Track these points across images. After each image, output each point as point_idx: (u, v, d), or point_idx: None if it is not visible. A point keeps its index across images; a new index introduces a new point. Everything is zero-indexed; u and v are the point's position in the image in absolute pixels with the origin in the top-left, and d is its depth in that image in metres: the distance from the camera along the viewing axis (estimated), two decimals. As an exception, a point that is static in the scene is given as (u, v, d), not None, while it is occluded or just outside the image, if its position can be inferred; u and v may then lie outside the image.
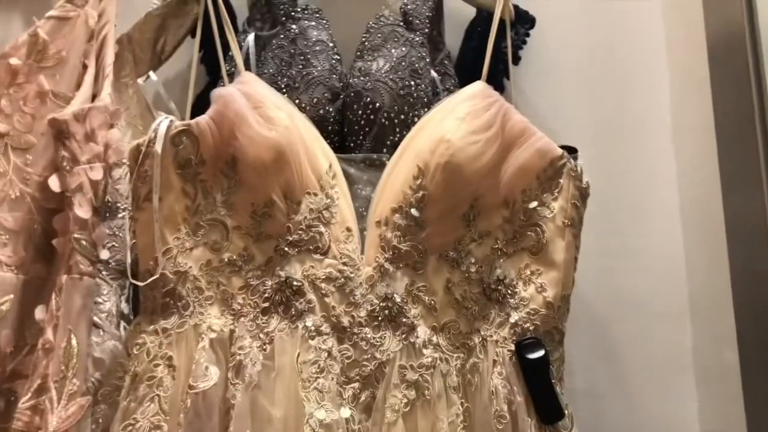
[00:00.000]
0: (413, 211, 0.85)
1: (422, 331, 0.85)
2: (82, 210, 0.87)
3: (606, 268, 1.08)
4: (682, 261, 1.09)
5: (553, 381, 0.83)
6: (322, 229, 0.86)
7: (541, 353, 0.83)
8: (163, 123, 0.85)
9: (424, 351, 0.84)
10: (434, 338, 0.85)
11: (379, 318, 0.84)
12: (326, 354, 0.82)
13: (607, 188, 1.04)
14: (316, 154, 0.88)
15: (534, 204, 0.88)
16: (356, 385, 0.82)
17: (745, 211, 1.02)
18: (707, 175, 1.07)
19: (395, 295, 0.85)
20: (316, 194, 0.86)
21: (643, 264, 1.09)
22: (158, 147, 0.84)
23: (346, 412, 0.81)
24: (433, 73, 0.99)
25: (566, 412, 0.84)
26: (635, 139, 1.12)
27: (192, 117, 0.87)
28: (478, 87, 0.90)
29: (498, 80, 1.02)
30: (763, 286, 0.98)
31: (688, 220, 1.09)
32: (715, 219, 1.05)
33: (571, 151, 0.89)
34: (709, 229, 1.06)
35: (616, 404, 1.07)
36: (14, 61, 0.94)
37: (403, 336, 0.84)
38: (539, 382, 0.83)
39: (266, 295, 0.84)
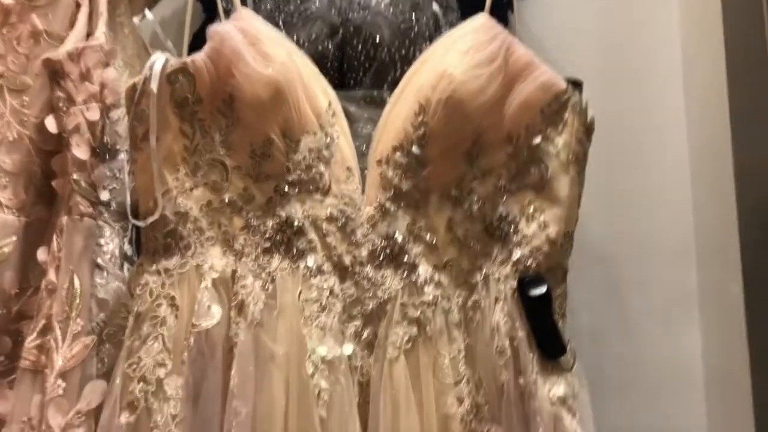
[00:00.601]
0: (414, 148, 0.84)
1: (424, 270, 0.84)
2: (80, 151, 0.86)
3: (611, 204, 1.07)
4: (689, 198, 1.08)
5: (555, 317, 0.83)
6: (322, 168, 0.85)
7: (543, 290, 0.83)
8: (158, 61, 0.83)
9: (426, 289, 0.84)
10: (436, 276, 0.85)
11: (381, 257, 0.84)
12: (328, 292, 0.82)
13: (613, 123, 1.01)
14: (315, 91, 0.86)
15: (538, 139, 0.86)
16: (358, 322, 0.83)
17: (754, 147, 1.00)
18: (717, 111, 1.04)
19: (396, 235, 0.84)
20: (315, 133, 0.85)
21: (648, 200, 1.08)
22: (154, 85, 0.82)
23: (348, 349, 0.81)
24: (435, 7, 0.96)
25: (569, 347, 0.84)
26: (643, 73, 1.09)
27: (189, 55, 0.85)
28: (481, 20, 0.87)
29: (502, 13, 0.98)
30: (771, 223, 0.97)
31: (696, 156, 1.08)
32: (724, 155, 1.03)
33: (577, 84, 0.87)
34: (717, 166, 1.04)
35: (619, 341, 1.07)
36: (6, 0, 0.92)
37: (405, 275, 0.84)
38: (542, 319, 0.82)
39: (267, 235, 0.84)
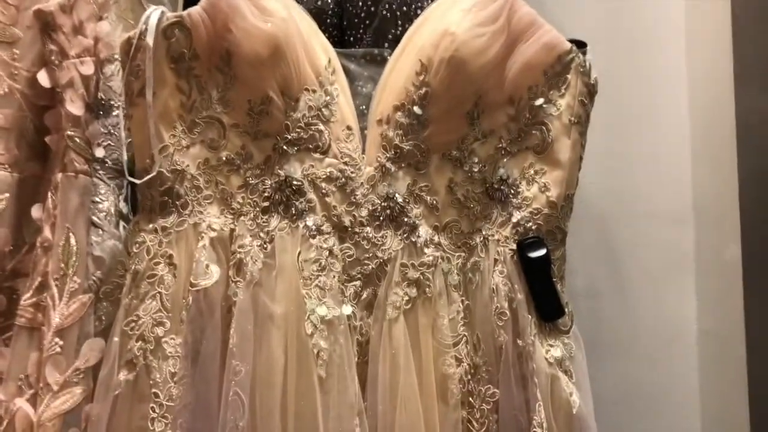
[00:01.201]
0: (416, 108, 0.83)
1: (423, 231, 0.84)
2: (74, 106, 0.85)
3: (610, 166, 1.06)
4: (687, 160, 1.06)
5: (554, 280, 0.83)
6: (322, 127, 0.84)
7: (542, 252, 0.83)
8: (153, 14, 0.82)
9: (426, 250, 0.83)
10: (435, 238, 0.84)
11: (381, 218, 0.84)
12: (327, 252, 0.82)
13: (615, 84, 1.00)
14: (314, 48, 0.84)
15: (540, 101, 0.85)
16: (358, 283, 0.82)
17: (756, 107, 0.99)
18: (719, 70, 1.03)
19: (397, 195, 0.84)
20: (314, 91, 0.84)
21: (648, 162, 1.06)
22: (150, 40, 0.81)
23: (347, 309, 0.81)
24: (438, -37, 0.94)
25: (566, 310, 0.84)
26: (646, 33, 1.07)
27: (184, 9, 0.84)
28: (484, -23, 0.85)
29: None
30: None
31: (696, 116, 1.06)
32: (725, 115, 1.02)
33: (580, 45, 0.86)
34: (718, 126, 1.03)
35: (616, 303, 1.07)
36: (-7, -51, 0.89)
37: (405, 235, 0.84)
38: (540, 281, 0.83)
39: (266, 194, 0.83)
